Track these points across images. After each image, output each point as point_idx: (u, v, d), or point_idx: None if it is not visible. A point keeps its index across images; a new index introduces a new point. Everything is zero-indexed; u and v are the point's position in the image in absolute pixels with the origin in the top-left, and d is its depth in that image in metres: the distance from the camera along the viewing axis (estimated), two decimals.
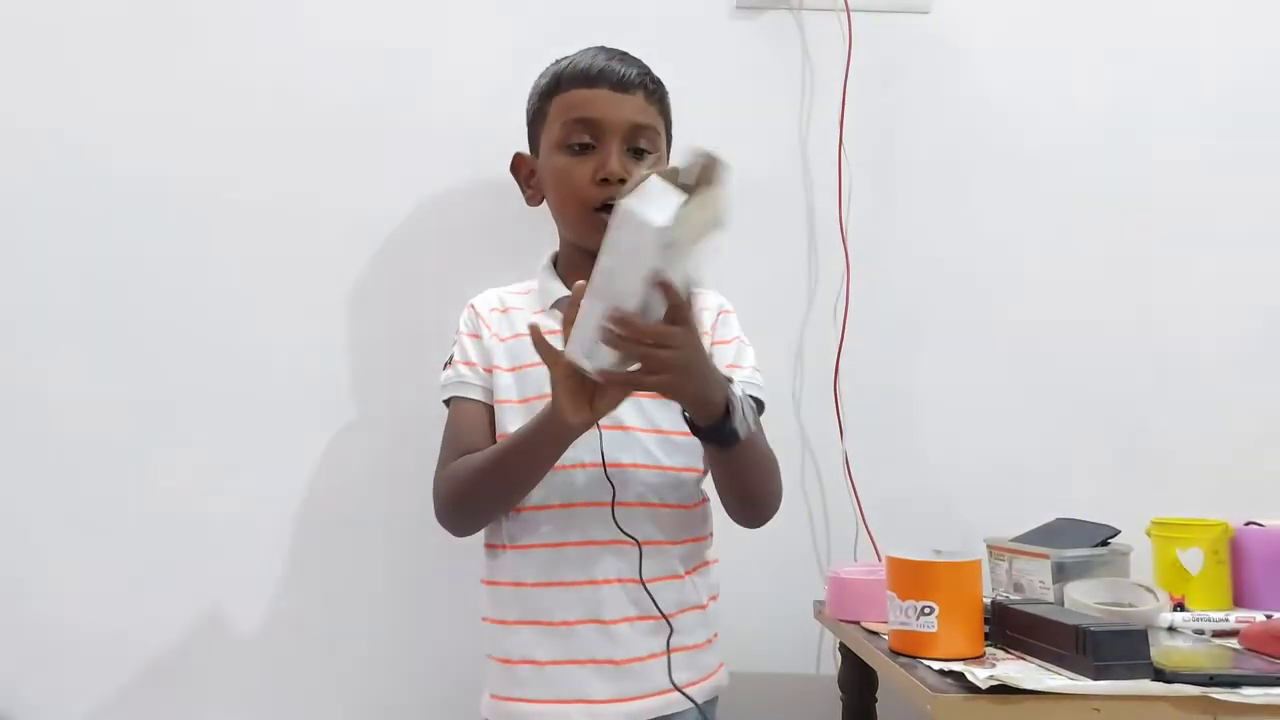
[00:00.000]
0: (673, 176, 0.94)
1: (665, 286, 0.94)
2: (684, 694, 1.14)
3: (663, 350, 0.97)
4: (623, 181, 1.17)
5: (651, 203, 0.93)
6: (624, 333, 0.95)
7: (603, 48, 1.27)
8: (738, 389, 1.08)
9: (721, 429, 1.06)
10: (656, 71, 1.27)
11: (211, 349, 1.48)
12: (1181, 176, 1.59)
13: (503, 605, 1.19)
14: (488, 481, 1.15)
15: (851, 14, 1.56)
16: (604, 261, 0.96)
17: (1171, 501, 1.42)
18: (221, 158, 1.50)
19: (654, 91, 1.25)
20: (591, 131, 1.21)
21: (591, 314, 0.97)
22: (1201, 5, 1.62)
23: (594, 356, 0.98)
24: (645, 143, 1.22)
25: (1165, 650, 1.04)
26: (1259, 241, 1.59)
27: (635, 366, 0.98)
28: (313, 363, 1.49)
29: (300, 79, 1.51)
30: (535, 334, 1.02)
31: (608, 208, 1.16)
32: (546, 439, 1.09)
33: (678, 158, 0.96)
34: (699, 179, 0.94)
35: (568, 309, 1.00)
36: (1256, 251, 1.59)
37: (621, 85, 1.22)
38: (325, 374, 1.49)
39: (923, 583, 1.06)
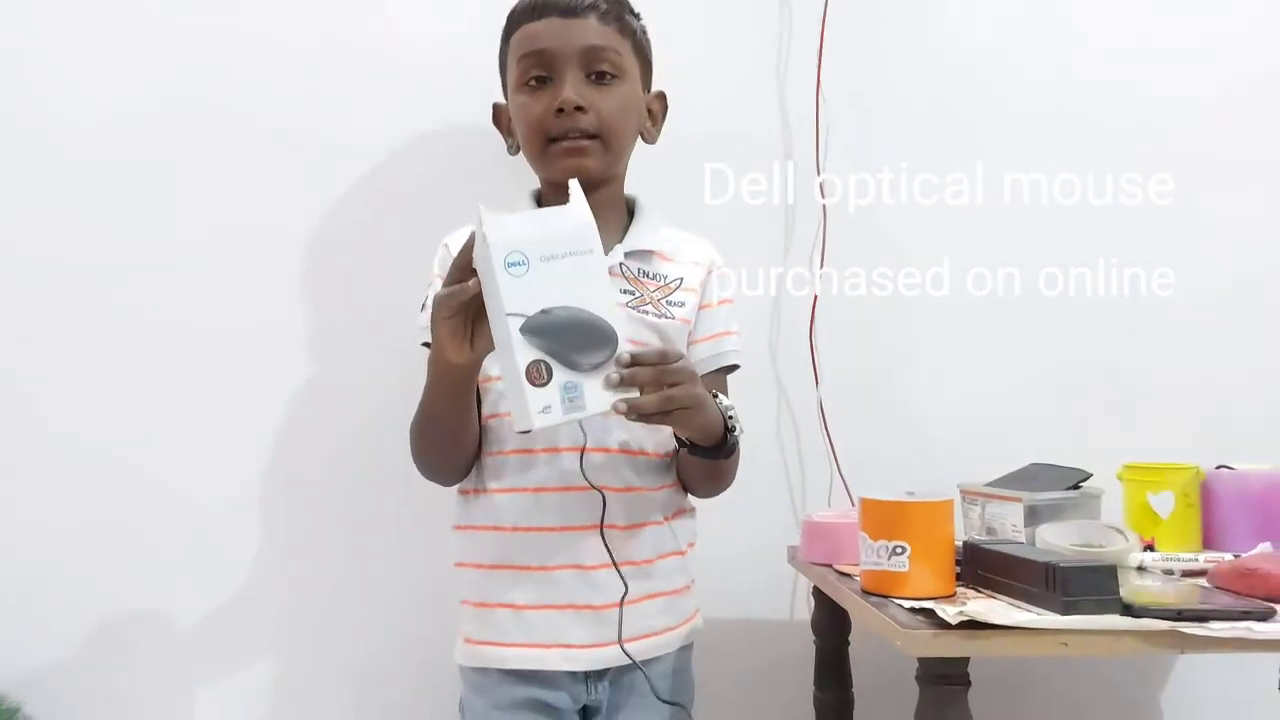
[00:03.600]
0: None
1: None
2: (630, 657, 1.13)
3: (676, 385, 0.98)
4: (580, 109, 1.16)
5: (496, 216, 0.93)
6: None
7: None
8: (726, 401, 1.10)
9: (723, 447, 1.09)
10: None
11: (175, 309, 1.47)
12: (1165, 122, 1.57)
13: (479, 549, 1.18)
14: (422, 434, 1.16)
15: None
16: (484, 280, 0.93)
17: (1144, 449, 1.41)
18: (190, 101, 1.47)
19: (608, 11, 1.20)
20: (544, 64, 1.18)
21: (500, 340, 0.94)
22: None
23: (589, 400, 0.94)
24: (606, 65, 1.18)
25: (1134, 588, 1.05)
26: (1235, 187, 1.58)
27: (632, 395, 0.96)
28: (287, 310, 1.48)
29: (279, 18, 1.49)
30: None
31: (566, 137, 1.16)
32: (444, 380, 1.07)
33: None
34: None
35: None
36: (1233, 196, 1.58)
37: (570, 10, 1.18)
38: (301, 318, 1.48)
39: (895, 523, 1.06)
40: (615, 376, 0.94)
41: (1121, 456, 1.38)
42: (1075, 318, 1.55)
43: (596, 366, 0.94)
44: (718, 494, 1.23)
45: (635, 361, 0.95)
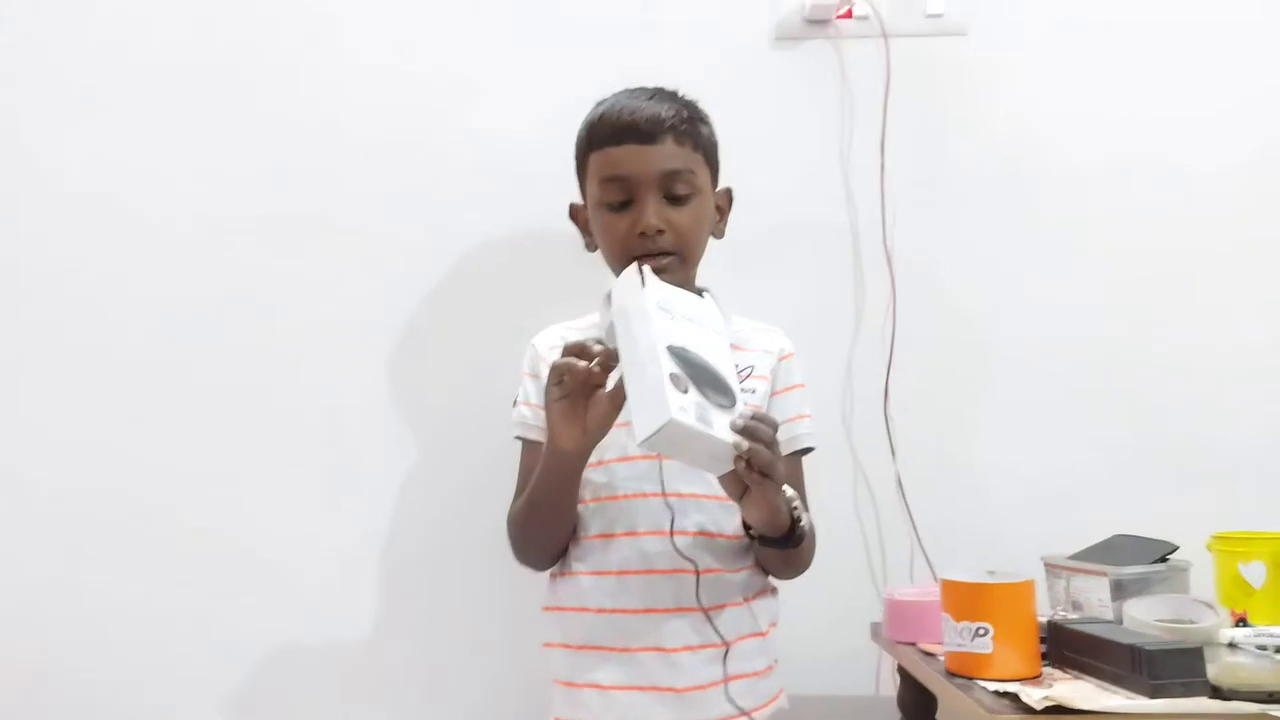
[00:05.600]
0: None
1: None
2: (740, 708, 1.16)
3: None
4: (660, 233, 1.22)
5: (630, 281, 1.07)
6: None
7: (633, 91, 1.28)
8: (790, 491, 1.12)
9: (789, 538, 1.12)
10: (692, 105, 1.28)
11: (272, 395, 1.55)
12: (1219, 190, 1.58)
13: (568, 630, 1.23)
14: (527, 522, 1.22)
15: (889, 39, 1.58)
16: (625, 354, 1.03)
17: (1230, 516, 1.39)
18: (275, 198, 1.57)
19: (684, 131, 1.25)
20: (625, 188, 1.23)
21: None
22: (1233, 29, 1.61)
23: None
24: (681, 187, 1.24)
25: (1225, 666, 1.03)
26: None
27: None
28: (379, 401, 1.56)
29: (354, 114, 1.58)
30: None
31: (647, 257, 1.21)
32: (553, 471, 1.15)
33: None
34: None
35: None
36: None
37: (648, 136, 1.23)
38: (388, 412, 1.56)
39: (977, 604, 1.07)
40: (740, 421, 0.99)
41: (1207, 525, 1.36)
42: (1154, 382, 1.55)
43: (722, 407, 0.99)
44: (796, 576, 1.25)
45: (756, 419, 1.01)
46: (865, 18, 1.60)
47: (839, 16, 1.60)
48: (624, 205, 1.24)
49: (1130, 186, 1.59)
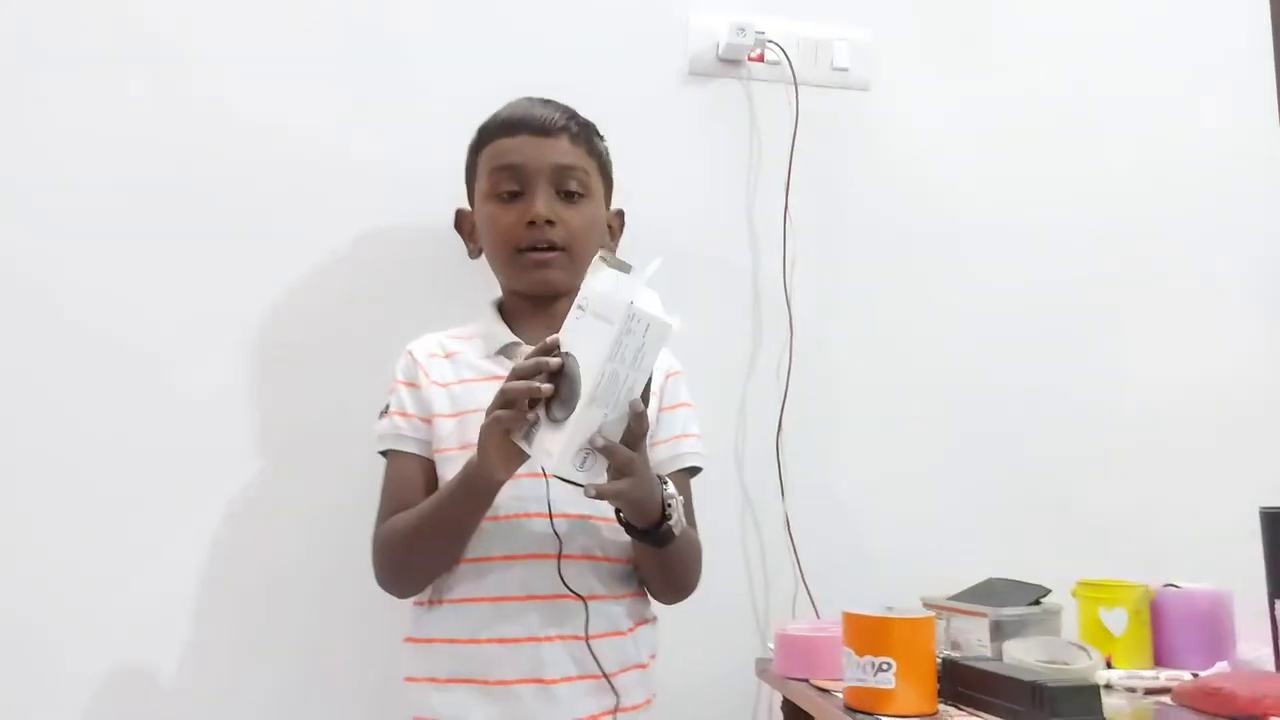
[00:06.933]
0: (629, 272, 0.98)
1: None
2: None
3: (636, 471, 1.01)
4: (549, 223, 1.20)
5: (654, 304, 0.96)
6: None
7: (527, 97, 1.29)
8: (669, 489, 1.10)
9: (657, 531, 1.09)
10: (586, 118, 1.28)
11: (140, 395, 1.42)
12: (1112, 250, 1.71)
13: (433, 662, 1.15)
14: (420, 541, 1.14)
15: (799, 86, 1.62)
16: (610, 367, 0.95)
17: (1084, 564, 1.47)
18: (162, 198, 1.45)
19: (579, 134, 1.26)
20: (517, 178, 1.23)
21: (589, 421, 0.96)
22: (1119, 101, 1.75)
23: (589, 467, 0.98)
24: (574, 184, 1.24)
25: (1109, 709, 1.08)
26: (1189, 311, 1.72)
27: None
28: (240, 408, 1.44)
29: (248, 117, 1.48)
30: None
31: (534, 249, 1.21)
32: (473, 497, 1.09)
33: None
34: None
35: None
36: (1184, 320, 1.71)
37: (543, 130, 1.23)
38: (253, 420, 1.44)
39: (880, 639, 1.08)
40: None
41: (1065, 571, 1.42)
42: (1032, 433, 1.64)
43: (556, 421, 0.98)
44: (679, 597, 1.23)
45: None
46: (776, 63, 1.64)
47: (751, 59, 1.64)
48: (513, 196, 1.23)
49: (1019, 246, 1.68)
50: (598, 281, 1.00)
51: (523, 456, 1.03)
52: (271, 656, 1.40)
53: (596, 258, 1.02)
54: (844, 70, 1.66)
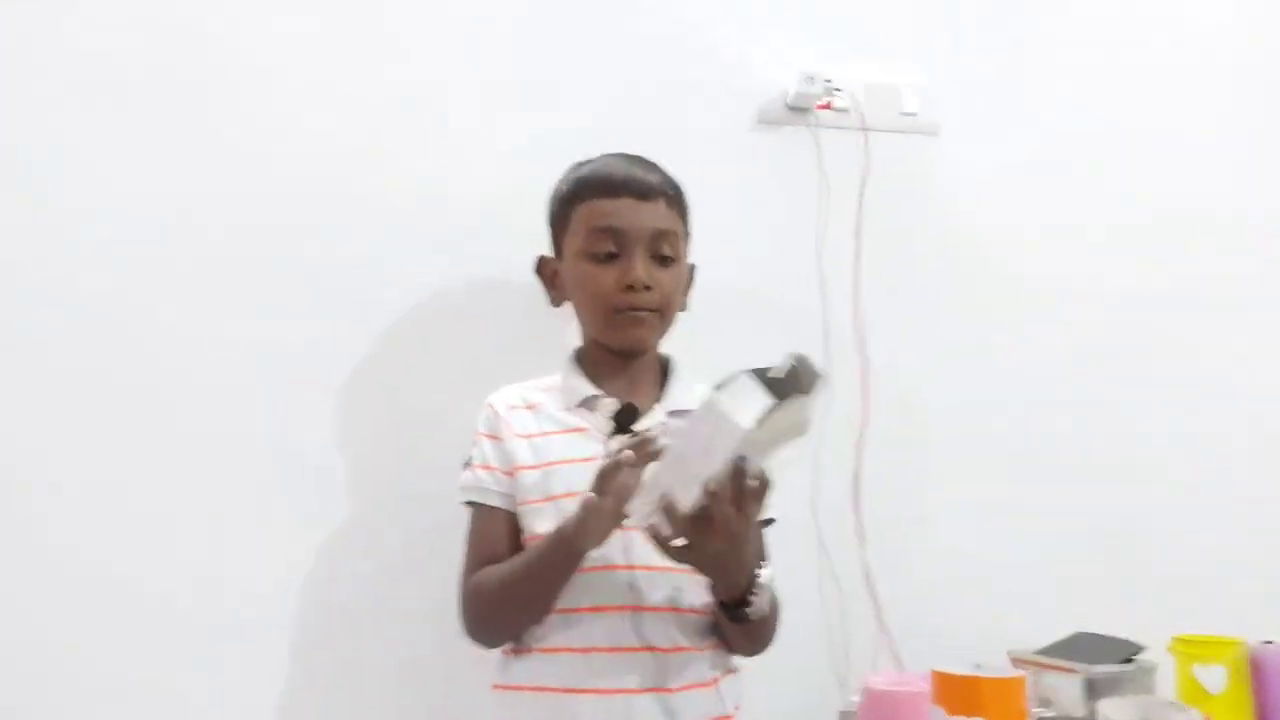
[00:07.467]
0: (764, 378, 0.96)
1: (739, 471, 1.00)
2: None
3: (712, 540, 1.02)
4: (647, 289, 1.22)
5: (739, 401, 0.95)
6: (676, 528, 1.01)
7: (623, 155, 1.29)
8: (766, 574, 1.12)
9: (735, 609, 1.11)
10: (676, 179, 1.29)
11: (216, 439, 1.42)
12: (1196, 292, 1.68)
13: (521, 711, 1.16)
14: (512, 596, 1.17)
15: (868, 133, 1.62)
16: (678, 445, 1.00)
17: (1173, 619, 1.43)
18: (229, 239, 1.45)
19: (674, 198, 1.28)
20: (616, 240, 1.23)
21: (657, 484, 1.01)
22: (1197, 142, 1.72)
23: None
24: (667, 248, 1.25)
25: None
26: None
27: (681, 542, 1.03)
28: (318, 454, 1.44)
29: (313, 163, 1.48)
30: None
31: (632, 310, 1.22)
32: (565, 563, 1.12)
33: (775, 359, 0.98)
34: (789, 382, 0.96)
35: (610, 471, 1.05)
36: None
37: (643, 194, 1.24)
38: (332, 464, 1.44)
39: (971, 698, 1.06)
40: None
41: (1167, 627, 1.39)
42: (1119, 484, 1.61)
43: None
44: (757, 653, 1.22)
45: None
46: (845, 110, 1.64)
47: (819, 107, 1.64)
48: (610, 258, 1.23)
49: (1092, 288, 1.66)
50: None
51: (615, 528, 1.07)
52: (363, 706, 1.41)
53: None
54: (912, 115, 1.66)
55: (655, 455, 1.03)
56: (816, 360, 0.98)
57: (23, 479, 1.37)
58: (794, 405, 0.96)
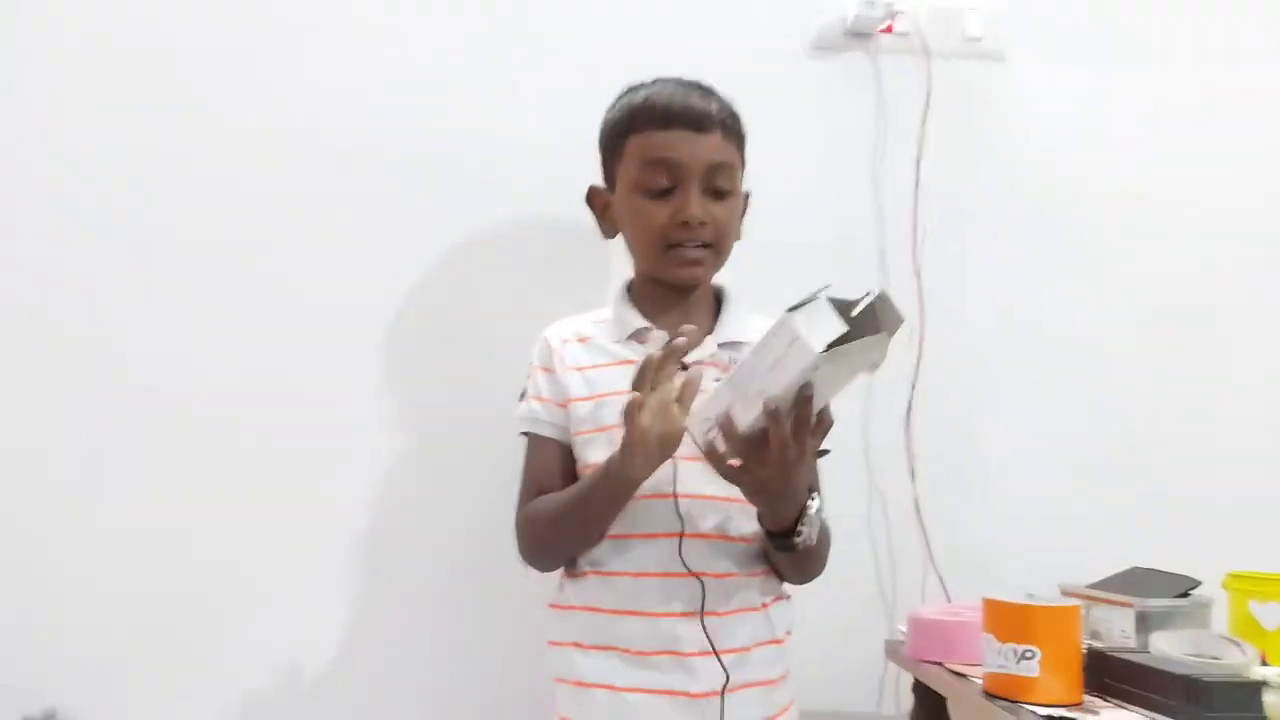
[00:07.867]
0: (844, 308, 0.94)
1: (804, 399, 0.99)
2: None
3: (767, 467, 1.03)
4: (702, 224, 1.20)
5: (815, 325, 0.94)
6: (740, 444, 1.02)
7: (678, 80, 1.25)
8: (815, 506, 1.12)
9: (785, 538, 1.12)
10: (732, 104, 1.26)
11: (266, 386, 1.47)
12: (1254, 226, 1.62)
13: (578, 629, 1.19)
14: (564, 527, 1.19)
15: (930, 58, 1.58)
16: (751, 359, 0.99)
17: (1229, 556, 1.40)
18: (287, 182, 1.49)
19: (730, 127, 1.23)
20: (670, 174, 1.20)
21: (719, 400, 1.02)
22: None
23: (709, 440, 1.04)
24: (723, 181, 1.21)
25: (1270, 706, 1.03)
26: None
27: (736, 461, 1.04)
28: (374, 391, 1.48)
29: (365, 108, 1.51)
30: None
31: (686, 246, 1.20)
32: (613, 494, 1.13)
33: (857, 292, 0.96)
34: (867, 317, 0.94)
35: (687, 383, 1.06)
36: None
37: (698, 125, 1.20)
38: (384, 403, 1.49)
39: (1024, 626, 1.06)
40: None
41: (1223, 563, 1.37)
42: (1178, 414, 1.58)
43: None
44: (807, 580, 1.23)
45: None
46: (906, 34, 1.59)
47: (880, 31, 1.60)
48: (664, 193, 1.21)
49: (1160, 217, 1.61)
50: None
51: (664, 459, 1.07)
52: (425, 622, 1.47)
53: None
54: (976, 40, 1.61)
55: (682, 361, 1.05)
56: (898, 301, 0.96)
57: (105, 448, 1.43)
58: (869, 341, 0.94)
